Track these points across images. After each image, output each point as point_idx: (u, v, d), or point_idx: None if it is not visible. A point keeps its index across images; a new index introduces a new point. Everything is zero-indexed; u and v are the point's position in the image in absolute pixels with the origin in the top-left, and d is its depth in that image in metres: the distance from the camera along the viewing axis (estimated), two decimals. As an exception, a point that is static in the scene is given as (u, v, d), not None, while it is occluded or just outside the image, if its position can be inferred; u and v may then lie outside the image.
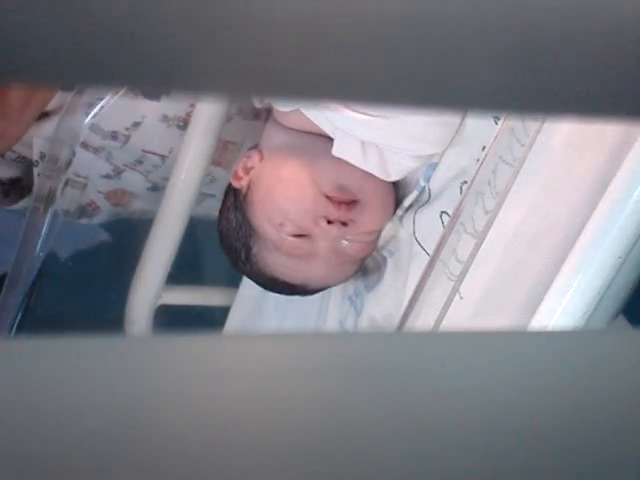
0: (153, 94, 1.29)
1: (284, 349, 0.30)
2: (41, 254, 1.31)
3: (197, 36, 0.24)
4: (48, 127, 1.30)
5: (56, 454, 0.24)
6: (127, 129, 1.32)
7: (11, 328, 1.35)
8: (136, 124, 1.32)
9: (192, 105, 1.29)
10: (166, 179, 1.40)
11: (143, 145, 1.36)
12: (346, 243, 1.21)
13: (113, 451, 0.24)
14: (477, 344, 0.31)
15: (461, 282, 1.05)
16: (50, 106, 1.30)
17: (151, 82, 0.26)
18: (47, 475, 0.23)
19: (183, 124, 1.33)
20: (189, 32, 0.24)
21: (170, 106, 1.31)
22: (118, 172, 1.41)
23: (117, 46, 0.24)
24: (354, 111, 1.11)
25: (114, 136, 1.33)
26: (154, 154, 1.38)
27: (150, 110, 1.32)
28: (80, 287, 1.71)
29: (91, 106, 1.24)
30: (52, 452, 0.24)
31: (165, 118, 1.33)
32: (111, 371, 0.27)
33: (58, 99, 1.29)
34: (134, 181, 1.44)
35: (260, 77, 0.26)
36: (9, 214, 1.49)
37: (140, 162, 1.39)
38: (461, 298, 1.05)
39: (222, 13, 0.24)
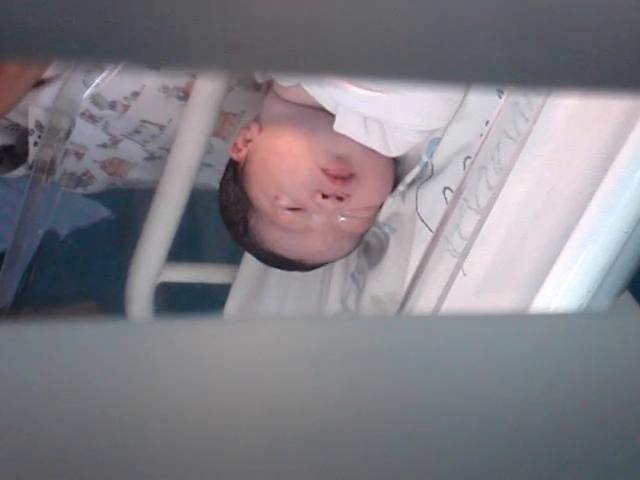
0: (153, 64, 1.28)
1: (285, 333, 0.30)
2: (40, 231, 1.31)
3: (194, 10, 0.24)
4: (44, 95, 1.29)
5: (54, 440, 0.24)
6: (126, 98, 1.32)
7: (10, 307, 1.35)
8: (135, 94, 1.32)
9: (193, 75, 1.29)
10: (163, 149, 1.40)
11: (142, 115, 1.35)
12: (343, 219, 1.20)
13: (112, 436, 0.24)
14: (478, 327, 0.31)
15: (464, 259, 1.04)
16: (46, 74, 1.29)
17: (150, 58, 0.25)
18: (45, 463, 0.23)
19: (183, 94, 1.32)
20: (186, 6, 0.23)
21: (170, 76, 1.31)
22: (115, 141, 1.41)
23: (111, 21, 0.24)
24: (356, 86, 1.09)
25: (112, 105, 1.32)
26: (153, 124, 1.38)
27: (150, 80, 1.31)
28: (79, 264, 1.71)
29: (90, 74, 1.23)
30: (50, 438, 0.24)
31: (165, 88, 1.32)
32: (109, 356, 0.27)
33: (55, 67, 1.28)
34: (131, 150, 1.43)
35: (260, 51, 0.25)
36: (9, 191, 1.48)
37: (138, 132, 1.39)
38: (464, 275, 1.04)
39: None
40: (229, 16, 0.24)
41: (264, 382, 0.27)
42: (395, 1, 0.24)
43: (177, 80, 1.32)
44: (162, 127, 1.38)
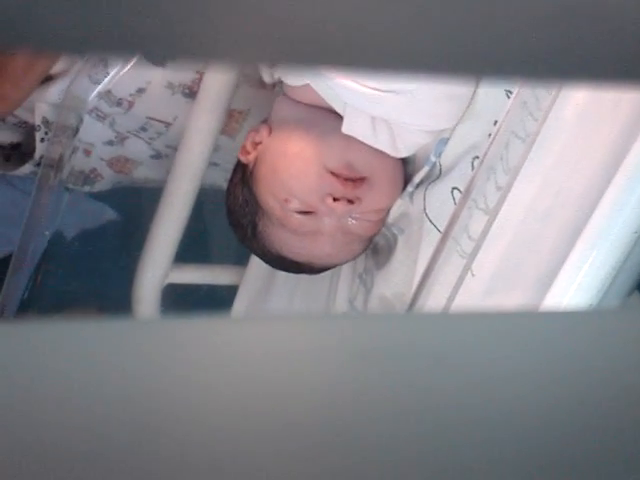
0: (158, 60, 1.28)
1: (294, 331, 0.30)
2: (47, 233, 1.31)
3: (200, 3, 0.23)
4: (51, 92, 1.30)
5: (62, 439, 0.24)
6: (131, 95, 1.32)
7: (17, 308, 1.35)
8: (140, 90, 1.32)
9: (198, 72, 1.28)
10: (169, 147, 1.40)
11: (147, 112, 1.35)
12: (353, 221, 1.20)
13: (120, 436, 0.24)
14: (489, 325, 0.31)
15: (473, 259, 1.04)
16: (54, 70, 1.29)
17: (160, 50, 0.25)
18: (54, 461, 0.23)
19: (189, 91, 1.32)
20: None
21: (175, 73, 1.31)
22: (121, 139, 1.41)
23: (121, 14, 0.23)
24: (364, 86, 1.09)
25: (119, 102, 1.32)
26: (158, 121, 1.38)
27: (155, 76, 1.31)
28: (86, 266, 1.71)
29: (98, 71, 1.24)
30: (57, 437, 0.24)
31: (170, 85, 1.32)
32: (117, 354, 0.27)
33: (62, 63, 1.29)
34: (137, 148, 1.44)
35: (270, 44, 0.25)
36: (16, 193, 1.48)
37: (144, 129, 1.39)
38: (473, 275, 1.04)
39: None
40: (236, 8, 0.24)
41: (272, 380, 0.26)
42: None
43: (182, 77, 1.32)
44: (168, 124, 1.38)
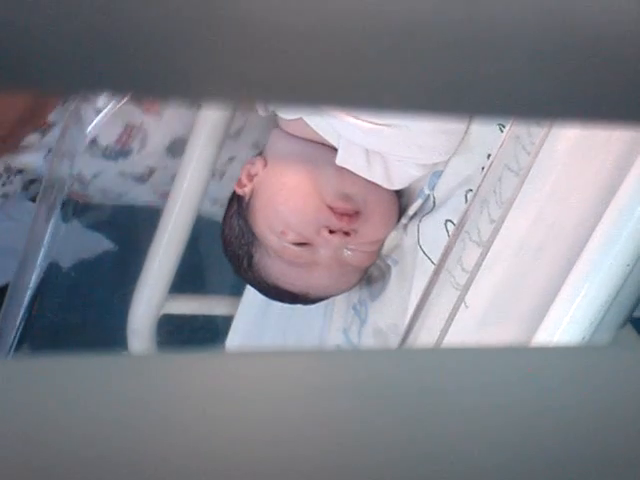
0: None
1: (288, 366, 0.30)
2: (43, 264, 1.31)
3: (197, 41, 0.24)
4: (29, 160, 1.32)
5: (57, 475, 0.24)
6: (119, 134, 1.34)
7: (13, 339, 1.35)
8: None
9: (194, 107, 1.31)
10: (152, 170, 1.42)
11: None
12: (348, 253, 1.20)
13: (113, 473, 0.24)
14: (482, 360, 0.31)
15: (467, 291, 1.04)
16: (49, 119, 1.31)
17: (150, 89, 0.25)
18: None
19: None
20: (189, 37, 0.24)
21: (171, 107, 1.33)
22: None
23: (113, 52, 0.24)
24: (358, 119, 1.10)
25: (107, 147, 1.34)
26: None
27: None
28: (82, 297, 1.70)
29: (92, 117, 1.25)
30: (52, 474, 0.24)
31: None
32: (112, 390, 0.27)
33: (56, 113, 1.30)
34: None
35: (262, 83, 0.25)
36: (12, 225, 1.48)
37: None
38: (467, 307, 1.04)
39: (222, 16, 0.23)
40: (231, 48, 0.24)
41: (266, 415, 0.26)
42: (400, 30, 0.24)
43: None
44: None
